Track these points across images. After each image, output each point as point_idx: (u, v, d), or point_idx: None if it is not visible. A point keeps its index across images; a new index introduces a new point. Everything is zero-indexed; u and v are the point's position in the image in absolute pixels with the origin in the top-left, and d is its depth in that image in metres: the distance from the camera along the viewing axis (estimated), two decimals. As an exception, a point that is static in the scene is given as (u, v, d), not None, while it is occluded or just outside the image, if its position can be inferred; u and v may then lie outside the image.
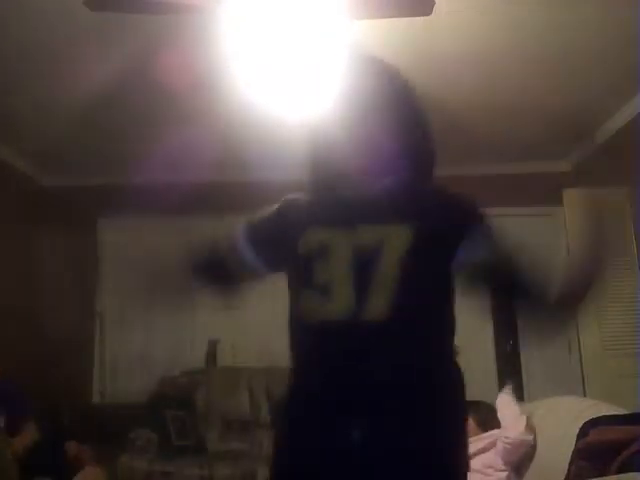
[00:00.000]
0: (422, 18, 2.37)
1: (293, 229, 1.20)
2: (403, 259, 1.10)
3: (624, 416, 2.25)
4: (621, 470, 1.89)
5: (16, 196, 4.46)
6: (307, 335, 1.17)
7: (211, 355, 4.57)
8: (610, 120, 3.94)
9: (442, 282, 1.17)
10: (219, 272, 1.36)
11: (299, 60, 2.36)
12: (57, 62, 3.13)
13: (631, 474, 1.82)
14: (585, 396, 3.59)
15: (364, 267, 1.11)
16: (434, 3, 2.25)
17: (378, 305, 1.09)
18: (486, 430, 2.69)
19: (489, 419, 2.73)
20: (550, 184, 4.54)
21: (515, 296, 1.24)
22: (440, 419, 1.12)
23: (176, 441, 3.72)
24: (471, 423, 2.63)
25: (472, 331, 4.50)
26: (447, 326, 1.19)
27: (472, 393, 4.09)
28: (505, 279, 1.20)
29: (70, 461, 3.44)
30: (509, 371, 4.43)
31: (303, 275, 1.17)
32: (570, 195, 3.97)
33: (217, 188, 4.64)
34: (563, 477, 2.20)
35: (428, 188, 1.26)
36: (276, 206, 1.31)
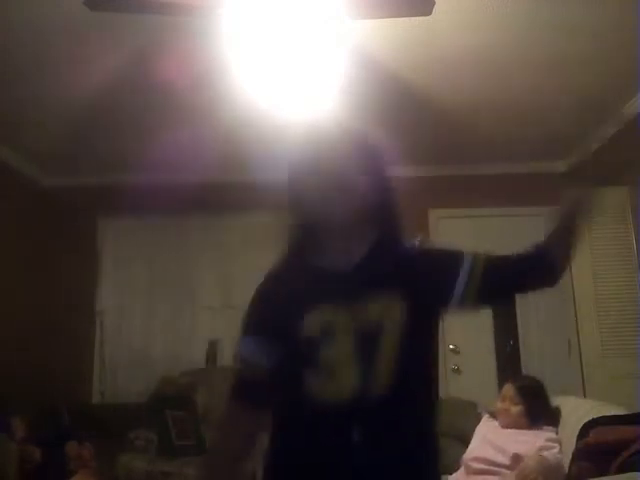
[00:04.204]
0: (422, 18, 2.37)
1: (289, 311, 1.16)
2: (403, 333, 1.12)
3: (624, 416, 2.26)
4: (621, 470, 1.89)
5: (16, 196, 4.46)
6: (310, 415, 1.15)
7: (211, 355, 4.57)
8: (610, 120, 3.94)
9: (431, 345, 1.21)
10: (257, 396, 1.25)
11: (299, 60, 2.36)
12: (57, 62, 3.13)
13: (631, 474, 1.82)
14: (585, 396, 3.59)
15: (366, 345, 1.11)
16: (434, 3, 2.25)
17: (382, 382, 1.10)
18: (537, 425, 2.48)
19: (542, 414, 2.52)
20: (550, 184, 4.54)
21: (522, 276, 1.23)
22: None
23: (176, 441, 3.72)
24: (518, 412, 2.50)
25: (472, 331, 4.50)
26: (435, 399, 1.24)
27: (472, 393, 4.14)
28: (505, 271, 1.22)
29: (71, 461, 3.45)
30: (509, 371, 4.43)
31: (306, 356, 1.14)
32: (570, 195, 3.97)
33: (217, 188, 4.64)
34: (564, 477, 2.21)
35: (406, 250, 1.25)
36: (259, 293, 1.26)
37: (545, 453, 2.27)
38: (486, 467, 2.41)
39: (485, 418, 2.74)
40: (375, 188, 1.19)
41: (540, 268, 1.22)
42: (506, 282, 1.23)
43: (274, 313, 1.19)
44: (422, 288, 1.15)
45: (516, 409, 2.51)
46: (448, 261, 1.21)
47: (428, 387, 1.20)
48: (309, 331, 1.13)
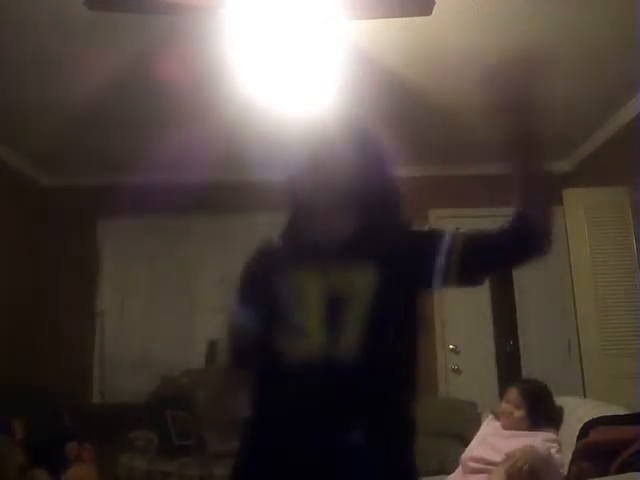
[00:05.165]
0: (422, 18, 2.37)
1: (270, 277, 1.28)
2: (372, 304, 1.19)
3: (624, 416, 2.26)
4: (621, 470, 1.89)
5: (16, 196, 4.46)
6: (279, 372, 1.23)
7: (211, 355, 4.57)
8: (610, 120, 3.94)
9: (408, 322, 1.25)
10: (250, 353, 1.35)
11: (299, 60, 2.36)
12: (57, 62, 3.13)
13: (631, 474, 1.82)
14: (585, 396, 3.59)
15: (335, 310, 1.19)
16: (434, 3, 2.25)
17: (347, 344, 1.16)
18: (538, 428, 2.47)
19: (544, 417, 2.50)
20: (550, 184, 4.54)
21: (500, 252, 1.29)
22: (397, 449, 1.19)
23: (176, 441, 3.72)
24: (520, 415, 2.48)
25: (472, 331, 4.50)
26: (412, 370, 1.25)
27: (472, 393, 4.14)
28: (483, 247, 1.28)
29: (71, 461, 3.45)
30: (509, 371, 4.43)
31: (282, 318, 1.24)
32: (570, 195, 3.97)
33: (218, 188, 4.64)
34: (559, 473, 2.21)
35: (395, 229, 1.32)
36: (253, 255, 1.39)
37: (537, 446, 2.28)
38: (482, 466, 2.41)
39: (489, 419, 2.74)
40: (369, 182, 1.28)
41: (522, 237, 1.28)
42: (488, 257, 1.28)
43: (261, 281, 1.30)
44: (400, 266, 1.22)
45: (519, 412, 2.51)
46: (428, 241, 1.27)
47: (401, 362, 1.23)
48: (286, 295, 1.24)
